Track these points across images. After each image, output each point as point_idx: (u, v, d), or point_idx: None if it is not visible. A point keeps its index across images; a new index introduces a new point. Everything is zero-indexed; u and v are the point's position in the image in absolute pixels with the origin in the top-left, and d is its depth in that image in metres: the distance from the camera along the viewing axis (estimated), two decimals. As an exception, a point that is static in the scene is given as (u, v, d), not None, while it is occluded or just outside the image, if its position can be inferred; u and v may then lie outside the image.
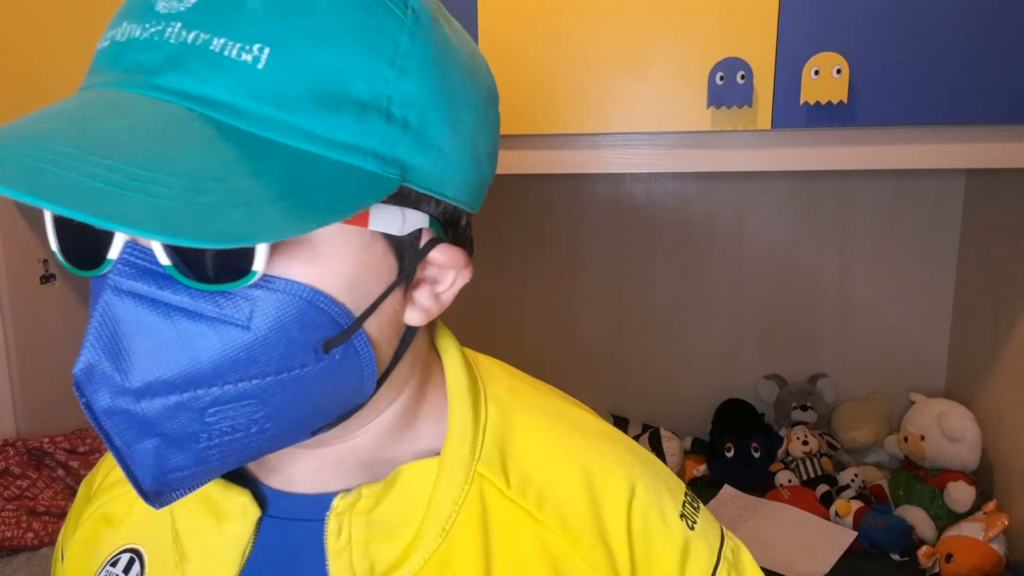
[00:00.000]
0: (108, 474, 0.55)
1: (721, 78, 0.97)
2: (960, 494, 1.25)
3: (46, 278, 1.52)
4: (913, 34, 0.94)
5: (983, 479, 1.31)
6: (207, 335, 0.36)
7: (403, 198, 0.40)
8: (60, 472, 1.38)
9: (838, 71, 0.94)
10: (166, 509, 0.49)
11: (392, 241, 0.41)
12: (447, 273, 0.45)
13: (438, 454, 0.47)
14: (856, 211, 1.51)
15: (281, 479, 0.48)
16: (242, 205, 0.32)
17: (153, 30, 0.36)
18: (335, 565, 0.45)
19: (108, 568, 0.50)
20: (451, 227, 0.45)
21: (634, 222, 1.59)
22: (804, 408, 1.53)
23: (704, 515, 0.53)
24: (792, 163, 1.02)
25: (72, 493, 1.39)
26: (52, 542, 1.23)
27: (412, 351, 0.47)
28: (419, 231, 0.42)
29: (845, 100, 0.94)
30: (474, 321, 1.68)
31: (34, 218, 1.48)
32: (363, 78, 0.37)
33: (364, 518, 0.45)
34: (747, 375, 1.60)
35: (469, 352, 0.54)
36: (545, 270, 1.64)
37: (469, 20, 1.02)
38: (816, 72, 0.94)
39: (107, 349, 0.36)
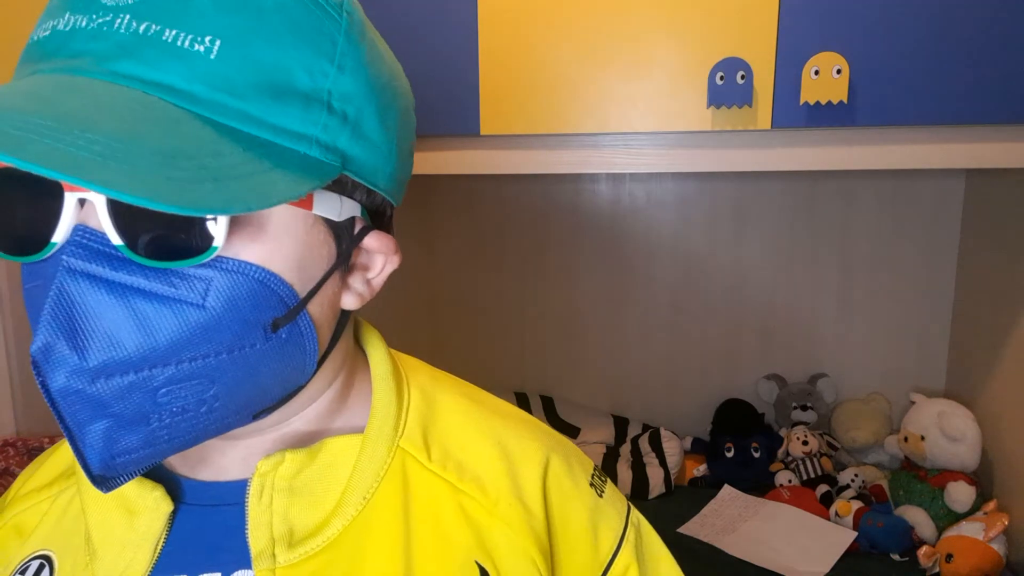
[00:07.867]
0: (23, 484, 0.55)
1: (721, 78, 0.96)
2: (960, 494, 1.25)
3: (46, 278, 1.51)
4: (913, 34, 0.94)
5: (983, 479, 1.31)
6: (163, 314, 0.37)
7: (341, 186, 0.44)
8: (60, 472, 1.38)
9: (838, 71, 0.94)
10: (80, 512, 0.49)
11: (331, 226, 0.44)
12: (376, 259, 0.49)
13: (363, 432, 0.50)
14: (856, 211, 1.51)
15: (210, 471, 0.49)
16: (212, 180, 0.35)
17: (101, 20, 0.37)
18: (255, 535, 0.46)
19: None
20: (378, 217, 0.49)
21: (634, 222, 1.59)
22: (804, 408, 1.53)
23: (611, 488, 0.58)
24: (792, 163, 1.02)
25: (72, 493, 1.39)
26: (52, 542, 1.22)
27: (343, 340, 0.50)
28: (353, 219, 0.46)
29: (845, 100, 0.94)
30: (474, 321, 1.69)
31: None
32: (306, 72, 0.40)
33: (287, 483, 0.47)
34: (747, 375, 1.60)
35: (392, 350, 0.58)
36: (545, 270, 1.64)
37: (469, 20, 1.02)
38: (816, 72, 0.94)
39: (63, 329, 0.36)
